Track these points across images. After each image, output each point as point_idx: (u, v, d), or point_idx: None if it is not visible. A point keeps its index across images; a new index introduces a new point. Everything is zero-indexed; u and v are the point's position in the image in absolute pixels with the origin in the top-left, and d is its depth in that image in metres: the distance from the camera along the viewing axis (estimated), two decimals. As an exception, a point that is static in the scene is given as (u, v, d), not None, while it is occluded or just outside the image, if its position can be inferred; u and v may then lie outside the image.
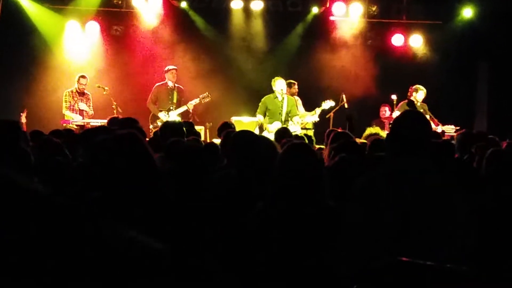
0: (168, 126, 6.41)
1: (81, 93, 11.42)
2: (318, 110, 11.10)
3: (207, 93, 11.44)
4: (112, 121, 6.76)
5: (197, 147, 4.84)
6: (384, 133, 7.51)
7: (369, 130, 7.65)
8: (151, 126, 11.18)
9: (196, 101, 11.34)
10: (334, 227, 3.12)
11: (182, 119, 10.64)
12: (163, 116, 11.25)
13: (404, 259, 2.38)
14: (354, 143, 5.32)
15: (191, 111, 11.31)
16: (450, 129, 11.07)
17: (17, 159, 3.88)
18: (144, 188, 2.92)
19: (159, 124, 11.16)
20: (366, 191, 3.00)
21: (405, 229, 2.84)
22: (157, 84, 11.75)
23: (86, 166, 4.06)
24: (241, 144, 4.02)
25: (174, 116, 11.23)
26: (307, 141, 6.11)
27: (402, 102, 11.57)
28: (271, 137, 8.59)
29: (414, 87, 11.53)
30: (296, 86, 11.76)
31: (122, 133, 3.13)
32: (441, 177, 3.05)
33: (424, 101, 11.51)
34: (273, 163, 3.41)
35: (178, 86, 11.64)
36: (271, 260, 3.20)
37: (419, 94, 11.47)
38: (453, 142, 7.02)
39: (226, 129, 6.82)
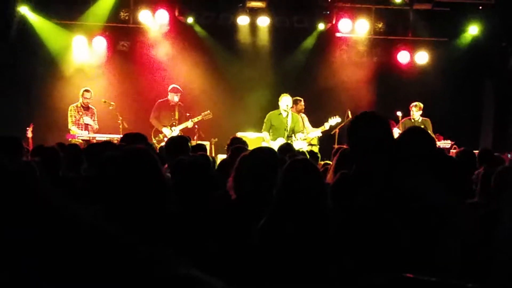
0: (173, 141, 6.44)
1: (86, 108, 11.49)
2: (327, 125, 11.14)
3: (208, 111, 11.52)
4: (125, 137, 6.74)
5: (204, 162, 4.81)
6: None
7: None
8: (154, 140, 11.23)
9: (198, 118, 11.43)
10: (336, 241, 3.12)
11: (184, 134, 10.65)
12: (167, 132, 11.31)
13: (408, 275, 2.37)
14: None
15: (193, 127, 11.36)
16: (445, 144, 11.09)
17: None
18: (153, 203, 2.93)
19: (161, 137, 11.23)
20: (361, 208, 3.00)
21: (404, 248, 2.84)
22: (159, 100, 11.85)
23: (91, 180, 4.07)
24: (261, 167, 3.85)
25: (177, 131, 11.29)
26: (308, 157, 6.08)
27: (404, 119, 11.59)
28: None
29: (411, 104, 11.62)
30: (302, 103, 11.77)
31: (134, 148, 3.15)
32: (445, 196, 3.04)
33: (428, 117, 11.53)
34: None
35: (179, 103, 11.69)
36: (274, 274, 3.20)
37: (415, 112, 11.53)
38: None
39: (236, 144, 6.89)
